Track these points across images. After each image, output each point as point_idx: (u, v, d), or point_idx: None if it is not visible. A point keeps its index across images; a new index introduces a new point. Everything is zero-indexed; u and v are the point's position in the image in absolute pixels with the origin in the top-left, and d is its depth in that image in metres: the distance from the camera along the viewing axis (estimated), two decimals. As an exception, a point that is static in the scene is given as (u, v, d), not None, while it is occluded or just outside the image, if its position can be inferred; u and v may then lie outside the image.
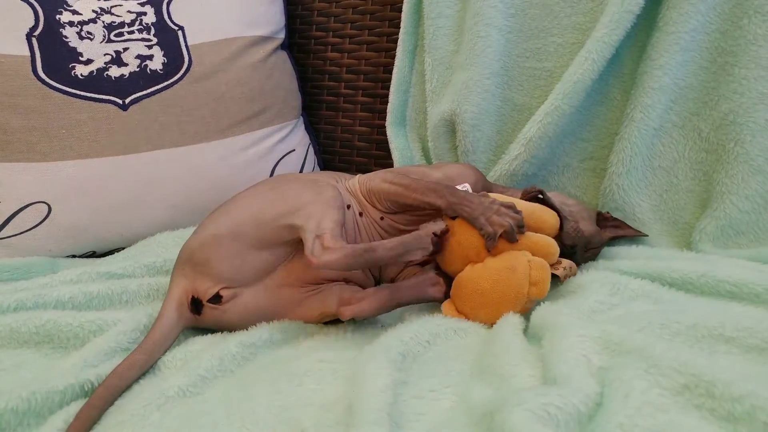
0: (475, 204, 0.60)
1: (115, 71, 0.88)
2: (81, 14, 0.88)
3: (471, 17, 0.88)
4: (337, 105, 1.14)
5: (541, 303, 0.57)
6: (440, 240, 0.58)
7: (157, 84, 0.90)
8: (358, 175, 0.74)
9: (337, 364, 0.51)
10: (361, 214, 0.69)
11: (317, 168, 1.12)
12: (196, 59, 0.94)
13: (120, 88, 0.87)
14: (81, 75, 0.85)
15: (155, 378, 0.53)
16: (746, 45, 0.73)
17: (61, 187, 0.83)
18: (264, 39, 1.02)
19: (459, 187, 0.65)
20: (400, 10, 0.99)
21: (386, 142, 1.01)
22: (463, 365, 0.50)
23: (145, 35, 0.91)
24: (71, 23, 0.87)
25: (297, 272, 0.61)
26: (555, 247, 0.60)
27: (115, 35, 0.89)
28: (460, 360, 0.51)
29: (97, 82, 0.86)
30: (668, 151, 0.80)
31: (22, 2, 0.84)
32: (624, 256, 0.71)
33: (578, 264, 0.67)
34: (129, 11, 0.91)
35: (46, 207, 0.82)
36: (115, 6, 0.91)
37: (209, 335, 0.60)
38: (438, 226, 0.59)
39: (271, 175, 1.00)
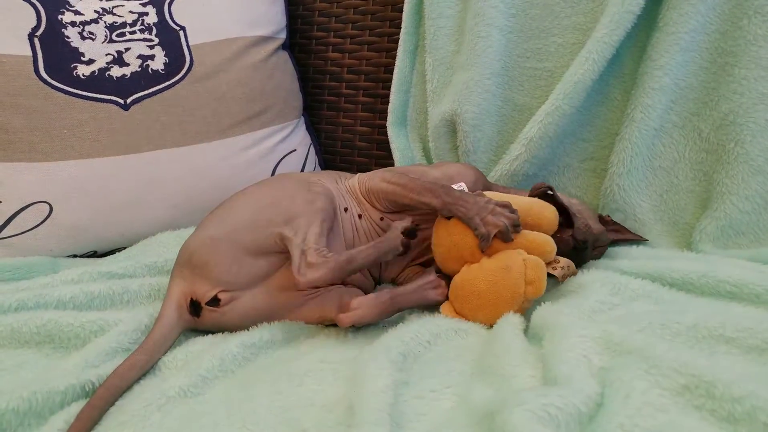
0: (470, 204, 0.60)
1: (116, 71, 0.88)
2: (83, 14, 0.88)
3: (472, 17, 0.88)
4: (338, 105, 1.14)
5: (542, 303, 0.58)
6: (408, 238, 0.58)
7: (159, 84, 0.90)
8: (358, 174, 0.74)
9: (338, 364, 0.51)
10: (360, 216, 0.69)
11: (318, 168, 1.12)
12: (197, 59, 0.94)
13: (121, 88, 0.88)
14: (83, 75, 0.86)
15: (156, 378, 0.53)
16: (746, 45, 0.73)
17: (62, 186, 0.83)
18: (265, 39, 1.02)
19: (455, 187, 0.65)
20: (401, 11, 1.00)
21: (387, 142, 1.02)
22: (463, 365, 0.50)
23: (146, 35, 0.91)
24: (73, 23, 0.87)
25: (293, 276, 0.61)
26: (552, 245, 0.60)
27: (117, 35, 0.89)
28: (461, 360, 0.51)
29: (99, 82, 0.86)
30: (669, 151, 0.80)
31: (24, 2, 0.84)
32: (625, 256, 0.71)
33: (587, 262, 0.67)
34: (131, 11, 0.92)
35: (47, 207, 0.83)
36: (117, 6, 0.91)
37: (210, 336, 0.60)
38: (403, 223, 0.59)
39: (272, 174, 1.00)
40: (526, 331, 0.54)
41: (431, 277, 0.62)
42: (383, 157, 1.08)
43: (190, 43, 0.94)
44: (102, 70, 0.87)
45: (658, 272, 0.62)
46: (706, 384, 0.39)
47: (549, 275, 0.60)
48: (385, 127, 1.02)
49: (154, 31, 0.92)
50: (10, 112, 0.81)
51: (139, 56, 0.90)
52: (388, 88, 1.02)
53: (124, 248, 0.87)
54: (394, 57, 1.01)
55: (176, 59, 0.92)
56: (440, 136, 0.93)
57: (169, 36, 0.93)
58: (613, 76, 0.83)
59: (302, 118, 1.10)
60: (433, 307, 0.63)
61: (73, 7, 0.88)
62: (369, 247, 0.57)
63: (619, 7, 0.76)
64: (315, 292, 0.62)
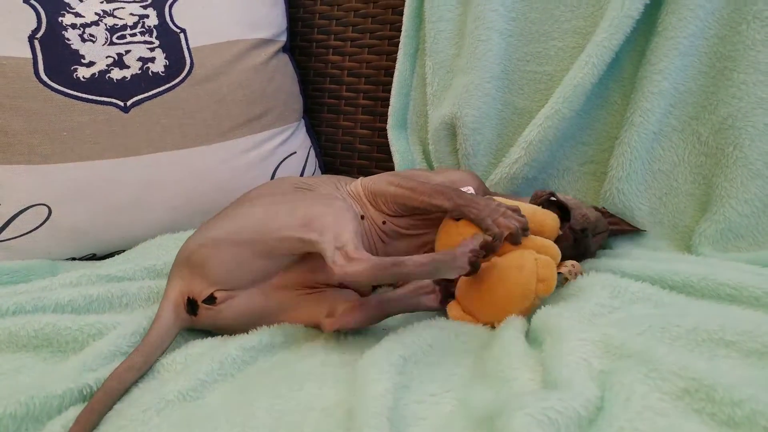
0: (482, 206, 0.61)
1: (116, 73, 0.88)
2: (83, 17, 0.88)
3: (472, 21, 0.88)
4: (339, 108, 1.14)
5: (542, 306, 0.58)
6: (479, 259, 0.54)
7: (159, 86, 0.90)
8: (360, 178, 0.74)
9: (338, 368, 0.51)
10: (362, 218, 0.69)
11: (318, 171, 1.12)
12: (197, 62, 0.94)
13: (122, 91, 0.88)
14: (83, 77, 0.86)
15: (155, 382, 0.53)
16: (745, 50, 0.73)
17: (61, 189, 0.83)
18: (265, 42, 1.03)
19: (464, 189, 0.66)
20: (401, 14, 1.00)
21: (387, 144, 1.02)
22: (464, 369, 0.50)
23: (147, 38, 0.91)
24: (73, 25, 0.87)
25: (295, 276, 0.61)
26: (557, 251, 0.61)
27: (117, 38, 0.89)
28: (461, 364, 0.51)
29: (99, 85, 0.86)
30: (668, 155, 0.80)
31: (25, 4, 0.85)
32: (625, 258, 0.71)
33: (591, 252, 0.68)
34: (131, 14, 0.92)
35: (46, 209, 0.82)
36: (118, 9, 0.91)
37: (209, 339, 0.60)
38: (476, 241, 0.54)
39: (272, 177, 1.00)
40: (526, 334, 0.54)
41: (425, 281, 0.61)
42: (383, 160, 1.08)
43: (191, 46, 0.94)
44: (102, 73, 0.87)
45: (659, 275, 0.63)
46: (706, 388, 0.39)
47: (559, 275, 0.61)
48: (386, 129, 1.02)
49: (155, 34, 0.92)
50: (10, 114, 0.81)
51: (140, 58, 0.90)
52: (389, 91, 1.02)
53: (124, 251, 0.87)
54: (394, 60, 1.01)
55: (176, 62, 0.92)
56: (440, 139, 0.93)
57: (170, 38, 0.93)
58: (613, 80, 0.83)
59: (302, 121, 1.10)
60: (436, 311, 0.63)
61: (74, 9, 0.88)
62: (426, 257, 0.52)
63: (619, 12, 0.76)
64: (312, 291, 0.62)
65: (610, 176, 0.81)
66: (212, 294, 0.59)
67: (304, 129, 1.10)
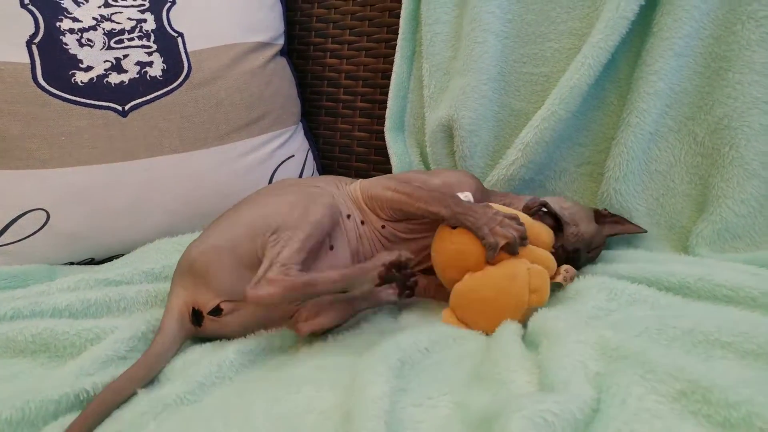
0: (479, 214, 0.60)
1: (114, 78, 0.88)
2: (81, 21, 0.88)
3: (468, 23, 0.88)
4: (336, 110, 1.15)
5: (539, 309, 0.58)
6: (389, 272, 0.55)
7: (157, 90, 0.91)
8: (359, 180, 0.73)
9: (335, 371, 0.51)
10: (363, 223, 0.69)
11: (316, 173, 1.12)
12: (195, 65, 0.94)
13: (120, 95, 0.88)
14: (81, 82, 0.86)
15: (153, 386, 0.53)
16: (740, 50, 0.74)
17: (59, 194, 0.83)
18: (263, 45, 1.03)
19: (461, 196, 0.66)
20: (398, 17, 1.00)
21: (385, 147, 1.02)
22: (461, 372, 0.50)
23: (144, 42, 0.92)
24: (71, 30, 0.87)
25: None
26: (553, 261, 0.62)
27: (115, 42, 0.89)
28: (459, 367, 0.51)
29: (97, 89, 0.86)
30: (664, 155, 0.80)
31: (23, 10, 0.85)
32: (621, 260, 0.71)
33: (583, 265, 0.68)
34: (129, 18, 0.92)
35: (44, 214, 0.83)
36: (116, 13, 0.91)
37: (208, 344, 0.60)
38: (390, 256, 0.56)
39: (270, 180, 1.00)
40: (523, 337, 0.55)
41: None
42: (381, 162, 1.08)
43: (188, 50, 0.95)
44: (100, 77, 0.87)
45: (655, 276, 0.63)
46: (703, 389, 0.39)
47: (554, 284, 0.61)
48: (383, 132, 1.02)
49: (153, 38, 0.92)
50: (8, 119, 0.81)
51: (138, 63, 0.90)
52: (386, 94, 1.02)
53: (122, 255, 0.87)
54: (391, 63, 1.01)
55: (174, 66, 0.93)
56: (437, 141, 0.93)
57: (168, 42, 0.93)
58: (609, 81, 0.83)
59: (300, 124, 1.10)
60: (431, 314, 0.64)
61: (72, 14, 0.88)
62: (338, 274, 0.55)
63: (614, 13, 0.76)
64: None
65: (606, 177, 0.81)
66: (218, 305, 0.59)
67: (302, 132, 1.10)
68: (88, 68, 0.87)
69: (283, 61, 1.08)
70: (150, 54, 0.91)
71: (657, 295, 0.61)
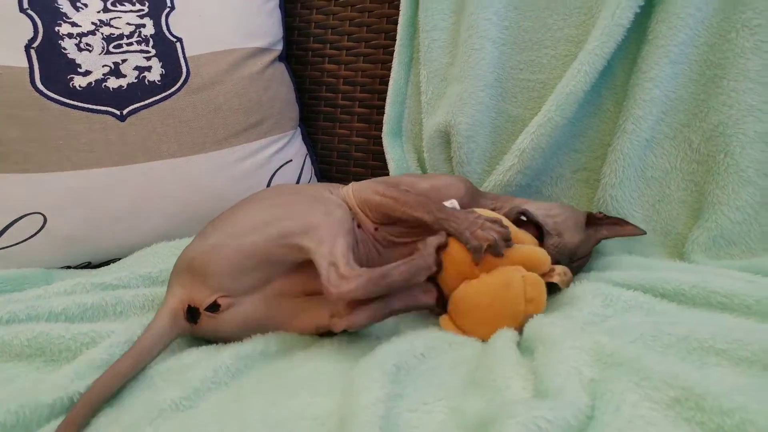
0: (461, 219, 0.61)
1: (113, 82, 0.88)
2: (80, 26, 0.88)
3: (465, 30, 0.89)
4: (334, 116, 1.15)
5: (535, 315, 0.58)
6: (438, 256, 0.57)
7: (155, 95, 0.91)
8: (351, 184, 0.73)
9: (331, 376, 0.51)
10: (359, 226, 0.70)
11: (314, 178, 1.12)
12: (194, 70, 0.94)
13: (118, 99, 0.88)
14: (79, 86, 0.86)
15: (148, 390, 0.53)
16: (734, 58, 0.74)
17: (56, 197, 0.83)
18: (262, 50, 1.03)
19: (446, 203, 0.66)
20: (396, 23, 1.01)
21: (383, 152, 1.02)
22: (456, 378, 0.50)
23: (143, 47, 0.92)
24: (70, 35, 0.87)
25: (297, 283, 0.61)
26: (545, 257, 0.61)
27: (114, 47, 0.90)
28: (454, 373, 0.51)
29: (96, 94, 0.87)
30: (660, 162, 0.80)
31: (21, 14, 0.85)
32: (616, 266, 0.71)
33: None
34: (128, 23, 0.92)
35: (41, 218, 0.83)
36: (114, 18, 0.92)
37: (204, 347, 0.60)
38: (437, 239, 0.58)
39: (268, 185, 1.00)
40: (519, 343, 0.55)
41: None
42: (379, 167, 1.09)
43: (187, 55, 0.95)
44: (98, 82, 0.87)
45: (650, 283, 0.63)
46: (696, 397, 0.40)
47: (550, 285, 0.61)
48: (381, 137, 1.03)
49: (151, 43, 0.93)
50: (6, 123, 0.82)
51: (136, 67, 0.90)
52: (384, 99, 1.03)
53: (119, 259, 0.87)
54: (389, 69, 1.02)
55: (173, 70, 0.93)
56: (435, 146, 0.94)
57: (166, 47, 0.94)
58: (605, 88, 0.83)
59: (298, 129, 1.11)
60: (427, 319, 0.64)
61: (71, 18, 0.88)
62: (403, 263, 0.55)
63: (610, 21, 0.77)
64: (314, 297, 0.61)
65: (603, 183, 0.81)
66: (215, 301, 0.59)
67: (300, 137, 1.11)
68: (87, 73, 0.87)
69: (281, 67, 1.08)
70: (149, 59, 0.92)
71: (652, 301, 0.61)
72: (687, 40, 0.76)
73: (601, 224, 0.75)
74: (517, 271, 0.58)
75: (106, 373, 0.52)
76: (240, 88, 0.98)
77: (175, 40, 0.95)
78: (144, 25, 0.93)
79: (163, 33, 0.94)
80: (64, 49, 0.86)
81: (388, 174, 1.01)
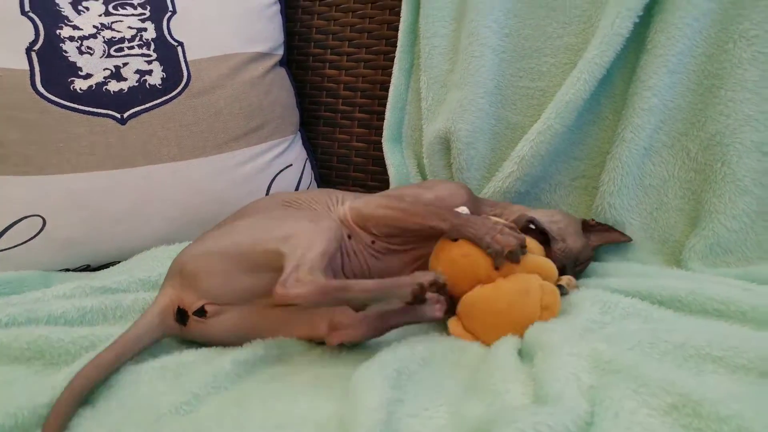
0: (479, 225, 0.61)
1: (114, 86, 0.88)
2: (81, 29, 0.89)
3: (466, 37, 0.90)
4: (335, 121, 1.15)
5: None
6: (423, 293, 0.53)
7: (156, 99, 0.91)
8: (348, 202, 0.72)
9: (332, 381, 0.51)
10: (350, 237, 0.70)
11: (314, 183, 1.12)
12: (195, 74, 0.95)
13: (119, 103, 0.88)
14: (80, 89, 0.86)
15: (148, 393, 0.53)
16: (732, 68, 0.75)
17: (56, 200, 0.83)
18: (263, 55, 1.04)
19: (458, 210, 0.66)
20: (396, 30, 1.01)
21: (382, 158, 1.03)
22: (457, 383, 0.50)
23: (144, 50, 0.92)
24: (71, 38, 0.88)
25: None
26: (554, 268, 0.63)
27: (115, 50, 0.90)
28: (455, 378, 0.51)
29: (96, 97, 0.87)
30: (658, 170, 0.81)
31: (23, 17, 0.85)
32: (615, 273, 0.72)
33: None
34: (129, 27, 0.93)
35: (40, 220, 0.82)
36: (116, 22, 0.92)
37: (203, 348, 0.60)
38: (428, 277, 0.53)
39: (268, 189, 1.00)
40: (519, 349, 0.55)
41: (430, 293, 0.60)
42: (378, 173, 1.09)
43: (188, 59, 0.95)
44: (99, 85, 0.88)
45: (648, 290, 0.63)
46: (693, 403, 0.40)
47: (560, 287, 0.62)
48: (381, 143, 1.03)
49: (152, 47, 0.93)
50: (6, 125, 0.82)
51: (137, 71, 0.91)
52: (384, 105, 1.03)
53: (118, 262, 0.86)
54: (389, 74, 1.03)
55: (174, 74, 0.93)
56: (434, 153, 0.94)
57: (167, 51, 0.94)
58: (604, 96, 0.84)
59: (299, 134, 1.11)
60: (428, 325, 0.64)
61: (72, 22, 0.89)
62: (374, 283, 0.54)
63: (609, 30, 0.78)
64: (306, 309, 0.61)
65: (601, 191, 0.82)
66: (203, 307, 0.59)
67: (300, 142, 1.11)
68: (88, 76, 0.87)
69: (282, 72, 1.09)
70: (150, 62, 0.92)
71: (650, 308, 0.61)
72: (685, 50, 0.77)
73: (592, 231, 0.76)
74: (535, 279, 0.58)
75: (88, 365, 0.52)
76: (241, 92, 0.98)
77: (176, 44, 0.95)
78: (145, 29, 0.94)
79: (165, 37, 0.95)
80: (65, 52, 0.87)
81: (387, 179, 1.01)
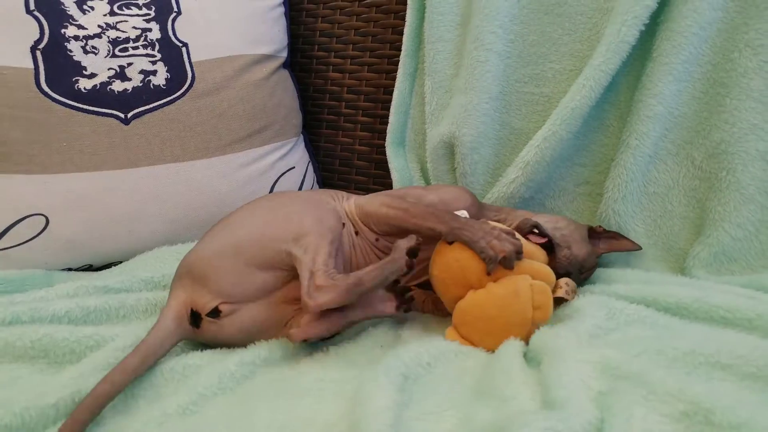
0: (476, 229, 0.61)
1: (118, 86, 0.88)
2: (86, 29, 0.89)
3: (471, 42, 0.90)
4: (338, 124, 1.15)
5: (541, 325, 0.58)
6: (412, 258, 0.58)
7: (160, 99, 0.91)
8: (354, 198, 0.74)
9: (337, 383, 0.51)
10: (357, 233, 0.70)
11: (316, 185, 1.12)
12: (199, 76, 0.95)
13: (123, 103, 0.88)
14: (84, 88, 0.86)
15: (154, 395, 0.53)
16: (737, 77, 0.75)
17: (59, 199, 0.83)
18: (267, 57, 1.04)
19: (458, 213, 0.66)
20: (401, 33, 1.02)
21: (385, 161, 1.03)
22: (463, 387, 0.50)
23: (149, 51, 0.92)
24: (76, 37, 0.87)
25: (297, 290, 0.61)
26: (552, 275, 0.62)
27: (120, 50, 0.90)
28: (461, 382, 0.51)
29: (100, 96, 0.87)
30: (663, 177, 0.81)
31: (28, 16, 0.85)
32: (619, 280, 0.72)
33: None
34: (134, 27, 0.93)
35: (43, 219, 0.82)
36: (121, 22, 0.92)
37: (209, 351, 0.60)
38: (407, 242, 0.59)
39: (271, 191, 1.00)
40: (525, 354, 0.55)
41: (380, 291, 0.63)
42: (381, 177, 1.09)
43: (192, 60, 0.95)
44: (103, 84, 0.87)
45: (653, 297, 0.63)
46: (705, 411, 0.40)
47: (557, 299, 0.61)
48: (384, 147, 1.03)
49: (157, 47, 0.93)
50: (10, 124, 0.81)
51: (141, 71, 0.91)
52: (388, 109, 1.03)
53: (120, 262, 0.86)
54: (393, 78, 1.03)
55: (178, 75, 0.93)
56: (438, 157, 0.94)
57: (172, 52, 0.94)
58: (609, 103, 0.84)
59: (301, 136, 1.11)
60: (432, 329, 0.64)
61: (77, 21, 0.89)
62: (375, 269, 0.57)
63: (615, 37, 0.78)
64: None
65: (605, 198, 0.82)
66: (216, 307, 0.59)
67: (303, 144, 1.11)
68: (92, 75, 0.87)
69: (286, 74, 1.09)
70: (154, 63, 0.92)
71: (655, 315, 0.61)
72: (691, 58, 0.77)
73: (599, 238, 0.76)
74: (524, 279, 0.58)
75: (115, 369, 0.51)
76: (244, 94, 0.98)
77: (180, 44, 0.95)
78: (150, 30, 0.94)
79: (169, 37, 0.95)
80: (70, 51, 0.86)
81: (390, 183, 1.01)
